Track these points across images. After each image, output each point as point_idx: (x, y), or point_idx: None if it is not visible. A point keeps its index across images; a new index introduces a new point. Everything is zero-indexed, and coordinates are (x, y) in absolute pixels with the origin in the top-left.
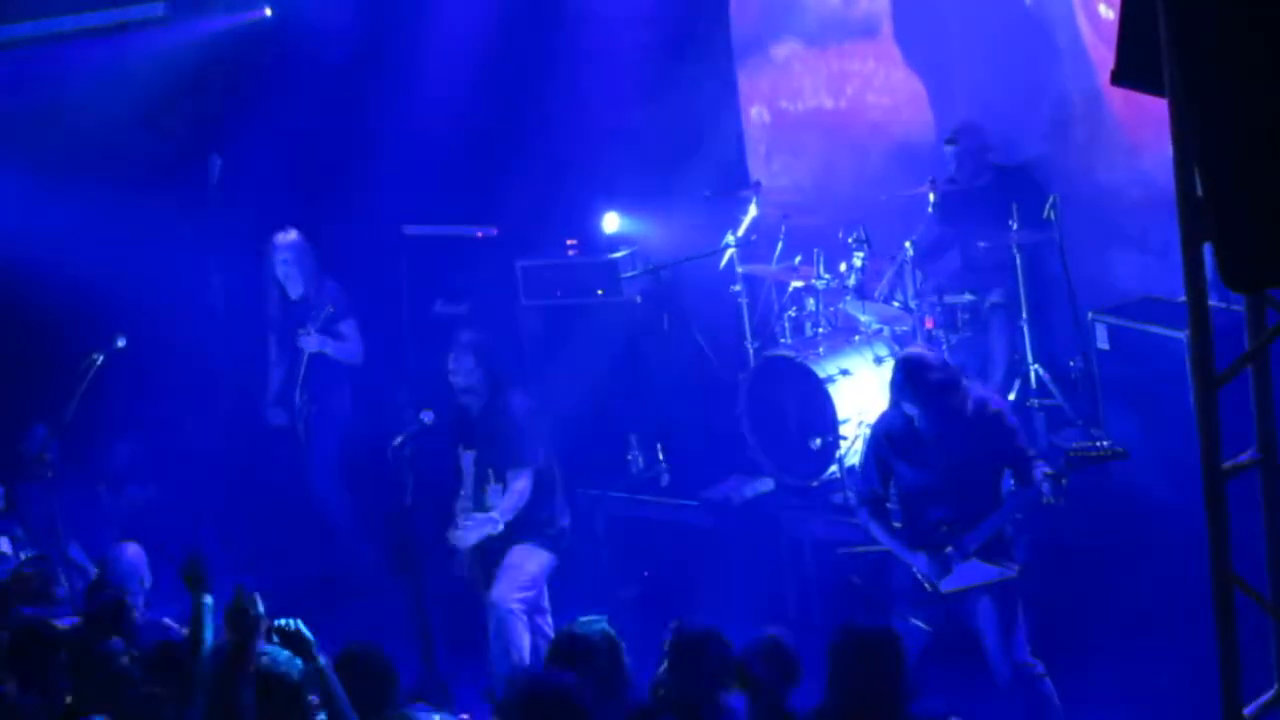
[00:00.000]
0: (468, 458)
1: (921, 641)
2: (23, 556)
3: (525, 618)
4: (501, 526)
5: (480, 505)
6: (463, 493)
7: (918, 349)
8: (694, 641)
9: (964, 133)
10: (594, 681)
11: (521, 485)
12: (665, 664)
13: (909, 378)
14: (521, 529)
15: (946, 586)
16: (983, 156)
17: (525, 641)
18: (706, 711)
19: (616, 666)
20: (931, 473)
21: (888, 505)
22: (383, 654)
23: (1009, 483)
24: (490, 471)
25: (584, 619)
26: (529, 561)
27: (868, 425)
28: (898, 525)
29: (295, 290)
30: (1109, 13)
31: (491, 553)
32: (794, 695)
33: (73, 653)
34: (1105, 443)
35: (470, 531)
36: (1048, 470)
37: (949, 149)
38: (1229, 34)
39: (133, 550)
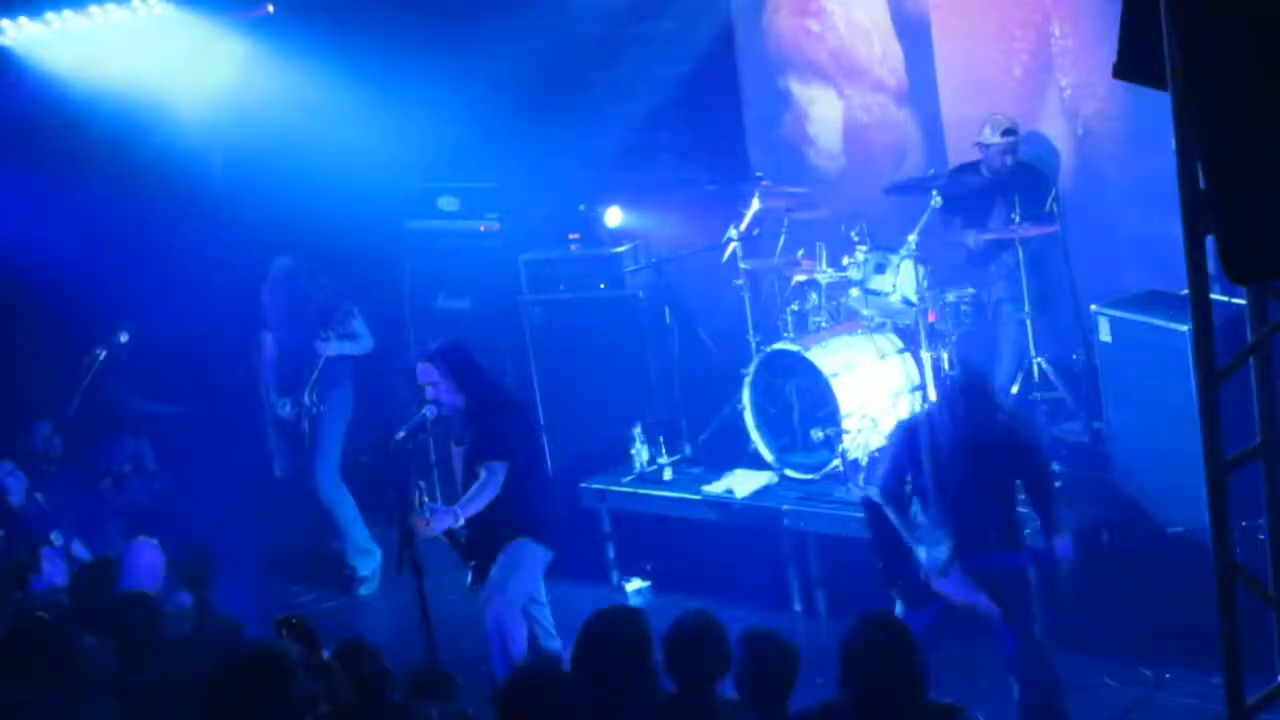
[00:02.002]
0: (458, 453)
1: (923, 631)
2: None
3: (520, 612)
4: (462, 521)
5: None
6: (422, 484)
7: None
8: (693, 635)
9: (1016, 130)
10: (622, 672)
11: (490, 480)
12: (665, 658)
13: (970, 396)
14: (513, 525)
15: (937, 587)
16: (1013, 155)
17: (523, 635)
18: (708, 705)
19: (646, 658)
20: (951, 486)
21: (906, 502)
22: (375, 648)
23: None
24: (478, 468)
25: (617, 606)
26: (522, 557)
27: (870, 418)
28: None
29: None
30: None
31: (485, 549)
32: (796, 689)
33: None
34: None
35: (436, 520)
36: (1082, 541)
37: (1006, 139)
38: (1230, 26)
39: (149, 547)
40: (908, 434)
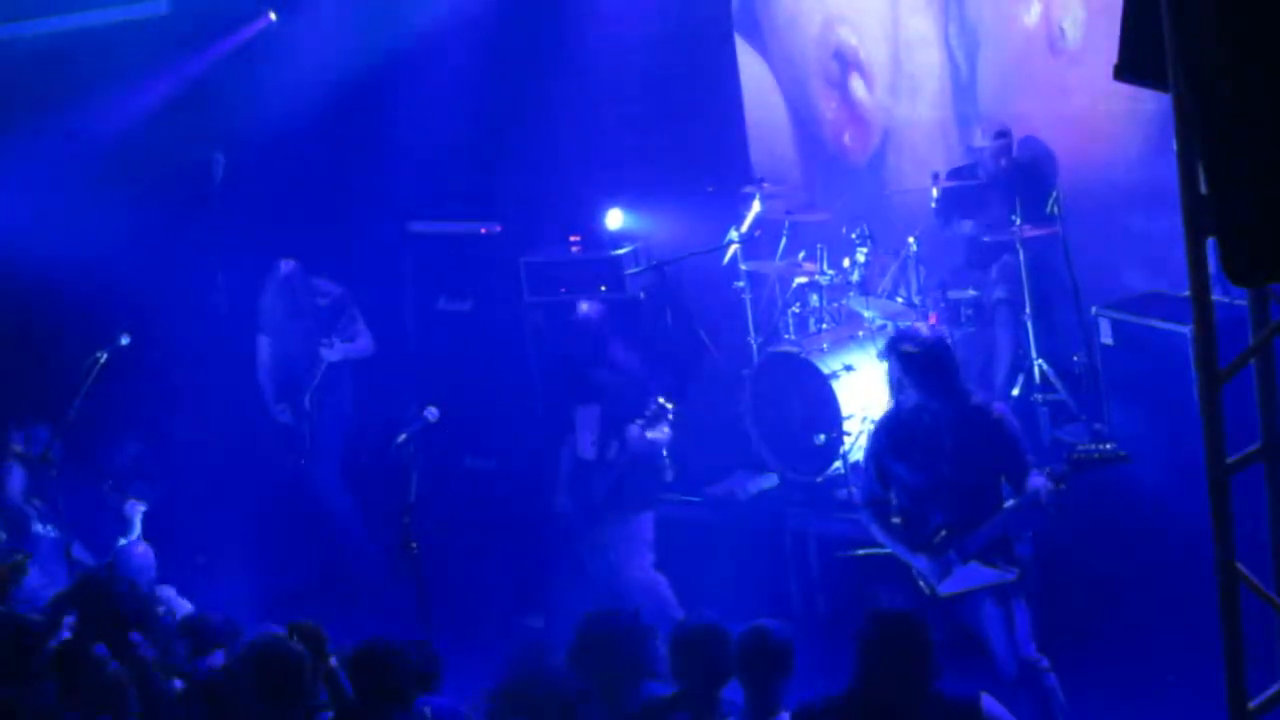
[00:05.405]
0: (588, 413)
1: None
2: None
3: None
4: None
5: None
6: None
7: (909, 327)
8: (697, 637)
9: (1008, 133)
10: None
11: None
12: (669, 658)
13: (899, 354)
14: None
15: (944, 590)
16: (1006, 157)
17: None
18: (709, 704)
19: (645, 656)
20: (932, 475)
21: (890, 507)
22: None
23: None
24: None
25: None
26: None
27: (871, 421)
28: (897, 520)
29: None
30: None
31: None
32: (795, 689)
33: (61, 653)
34: (1108, 445)
35: None
36: (1050, 472)
37: (999, 142)
38: (1232, 29)
39: (141, 549)
40: (882, 431)
